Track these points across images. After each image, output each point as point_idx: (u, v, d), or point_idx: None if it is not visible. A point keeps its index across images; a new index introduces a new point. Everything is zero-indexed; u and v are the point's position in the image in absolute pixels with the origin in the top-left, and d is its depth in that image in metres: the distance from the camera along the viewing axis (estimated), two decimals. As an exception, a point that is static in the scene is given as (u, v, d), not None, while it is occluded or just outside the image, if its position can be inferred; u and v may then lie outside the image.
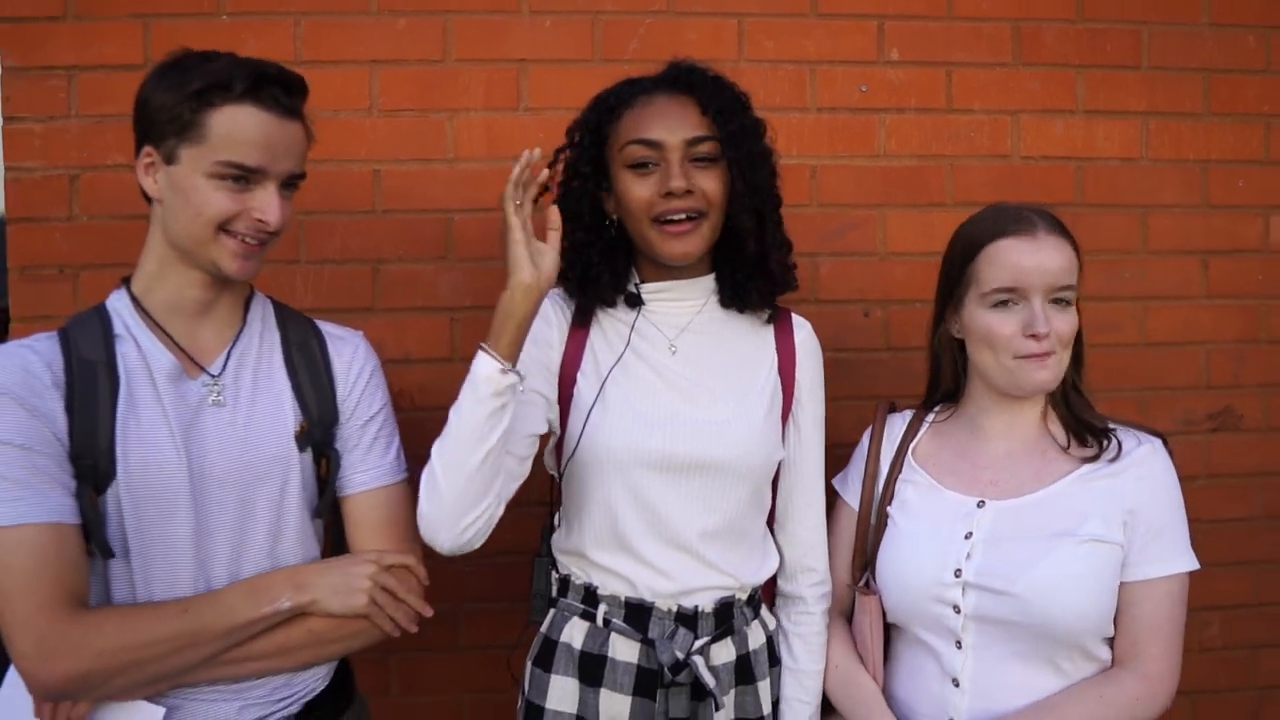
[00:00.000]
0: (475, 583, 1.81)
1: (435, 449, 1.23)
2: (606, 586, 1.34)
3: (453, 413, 1.23)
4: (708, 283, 1.40)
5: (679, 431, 1.32)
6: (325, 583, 1.22)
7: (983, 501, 1.33)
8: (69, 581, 1.13)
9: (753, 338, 1.42)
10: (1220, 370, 2.00)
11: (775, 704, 1.40)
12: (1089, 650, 1.28)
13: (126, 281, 1.27)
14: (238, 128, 1.16)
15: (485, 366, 1.20)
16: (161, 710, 1.19)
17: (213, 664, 1.18)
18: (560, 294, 1.41)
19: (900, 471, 1.42)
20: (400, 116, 1.82)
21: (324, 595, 1.21)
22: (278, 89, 1.19)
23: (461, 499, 1.21)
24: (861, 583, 1.40)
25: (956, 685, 1.30)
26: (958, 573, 1.28)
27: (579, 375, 1.36)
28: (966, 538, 1.30)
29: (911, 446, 1.44)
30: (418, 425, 1.82)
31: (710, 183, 1.30)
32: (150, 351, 1.22)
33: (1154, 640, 1.27)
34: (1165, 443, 1.36)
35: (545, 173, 1.25)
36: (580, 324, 1.39)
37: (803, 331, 1.46)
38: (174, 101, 1.15)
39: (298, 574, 1.23)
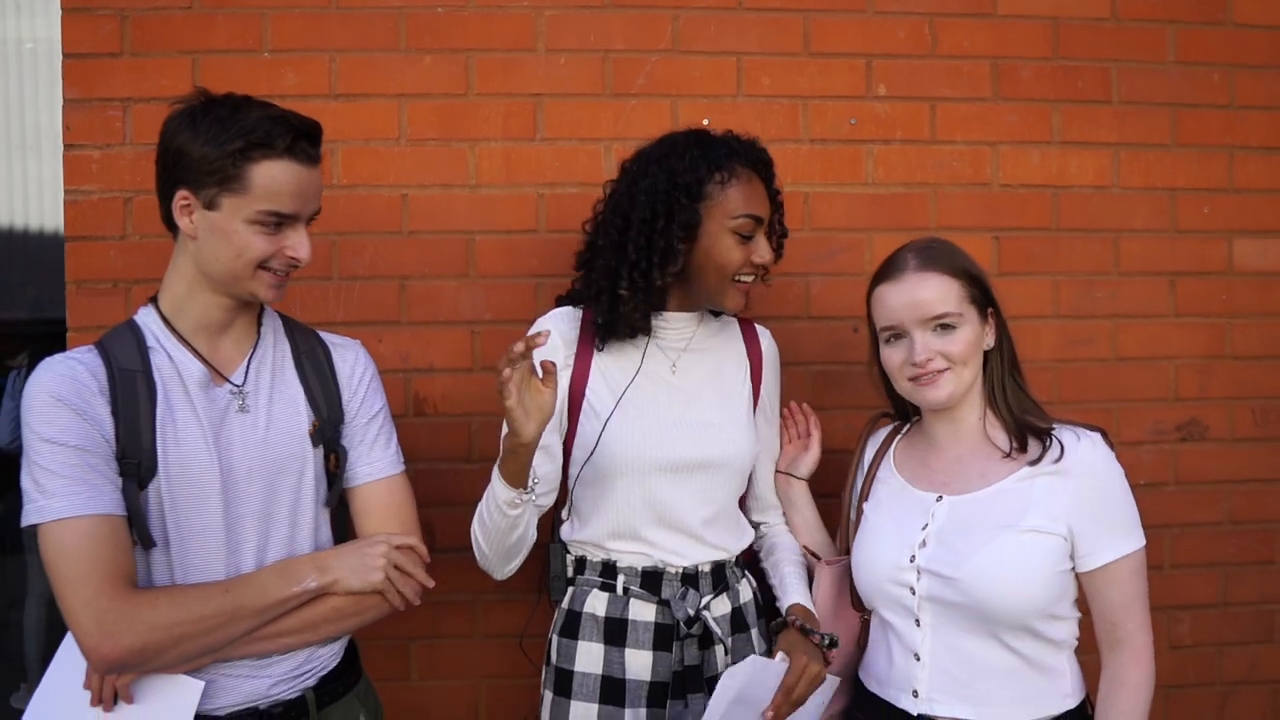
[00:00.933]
0: (487, 577, 1.93)
1: (477, 526, 1.49)
2: (624, 560, 1.54)
3: (485, 511, 1.46)
4: (696, 314, 1.62)
5: (684, 438, 1.53)
6: (344, 564, 1.35)
7: (940, 497, 1.46)
8: (123, 566, 1.24)
9: (731, 350, 1.64)
10: (1187, 384, 2.12)
11: (768, 649, 1.57)
12: (1035, 629, 1.37)
13: (154, 300, 1.38)
14: (276, 182, 1.28)
15: (504, 491, 1.40)
16: (201, 683, 1.30)
17: (250, 639, 1.30)
18: (566, 311, 1.59)
19: (877, 472, 1.58)
20: (426, 145, 1.95)
21: (344, 575, 1.34)
22: (306, 142, 1.32)
23: (505, 559, 1.50)
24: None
25: (918, 659, 1.42)
26: (912, 559, 1.42)
27: (588, 390, 1.54)
28: (923, 528, 1.44)
29: (890, 451, 1.59)
30: (441, 430, 1.97)
31: (773, 256, 1.57)
32: (182, 362, 1.34)
33: (1129, 616, 1.39)
34: (1105, 436, 1.45)
35: (535, 354, 1.39)
36: (586, 340, 1.56)
37: (765, 339, 1.70)
38: (216, 156, 1.26)
39: (320, 558, 1.36)
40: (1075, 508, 1.39)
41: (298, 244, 1.34)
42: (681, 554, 1.53)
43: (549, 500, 1.58)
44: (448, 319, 1.97)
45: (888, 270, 1.49)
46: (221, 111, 1.29)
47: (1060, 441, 1.42)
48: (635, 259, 1.50)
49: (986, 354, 1.49)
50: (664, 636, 1.52)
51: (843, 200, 2.04)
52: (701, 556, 1.55)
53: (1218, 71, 2.12)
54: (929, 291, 1.43)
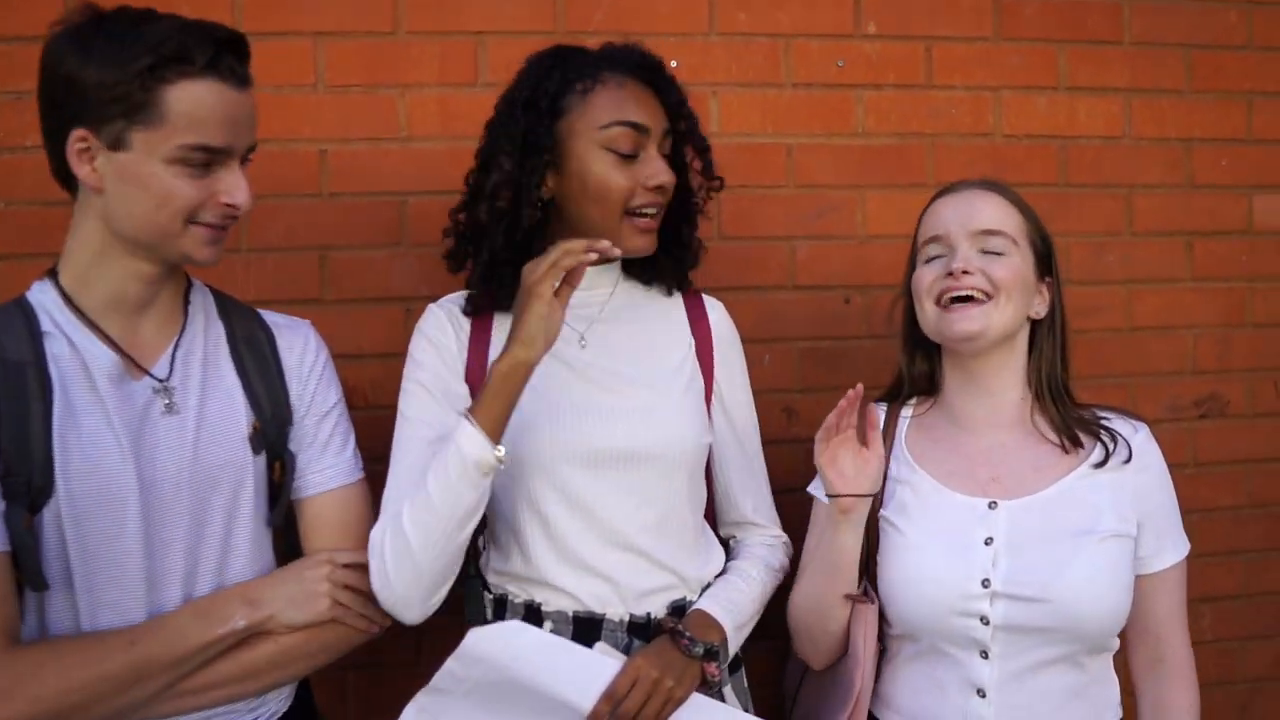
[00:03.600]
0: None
1: (410, 523, 1.14)
2: (551, 603, 1.25)
3: (436, 490, 1.14)
4: (616, 265, 1.35)
5: (599, 422, 1.26)
6: (280, 594, 1.13)
7: (994, 503, 1.26)
8: (1, 618, 1.01)
9: (664, 321, 1.37)
10: (1206, 355, 1.96)
11: (743, 709, 1.31)
12: (1108, 645, 1.28)
13: (51, 274, 1.13)
14: (201, 107, 1.04)
15: (477, 447, 1.12)
16: None
17: (172, 694, 1.08)
18: (458, 296, 1.35)
19: (889, 470, 1.33)
20: (348, 92, 1.70)
21: (281, 607, 1.13)
22: (233, 57, 1.08)
23: (441, 575, 1.17)
24: (860, 590, 1.30)
25: (982, 695, 1.22)
26: (985, 582, 1.21)
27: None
28: (987, 543, 1.23)
29: (900, 441, 1.36)
30: (372, 424, 1.70)
31: (673, 175, 1.27)
32: (87, 350, 1.09)
33: (1174, 630, 1.30)
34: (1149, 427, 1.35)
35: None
36: (481, 325, 1.32)
37: (716, 312, 1.41)
38: (117, 79, 1.01)
39: (249, 589, 1.14)
40: (1140, 505, 1.25)
41: (234, 186, 1.09)
42: (621, 581, 1.24)
43: None
44: (378, 295, 1.72)
45: (947, 188, 1.35)
46: (118, 26, 1.04)
47: (1121, 436, 1.28)
48: (496, 201, 1.24)
49: (1036, 326, 1.31)
50: (586, 629, 1.23)
51: (830, 153, 1.82)
52: (649, 584, 1.25)
53: (1235, 9, 1.94)
54: (989, 207, 1.29)
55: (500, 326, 1.30)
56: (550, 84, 1.24)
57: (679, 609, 1.27)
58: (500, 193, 1.25)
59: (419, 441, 1.24)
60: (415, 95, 1.71)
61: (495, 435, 1.13)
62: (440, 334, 1.31)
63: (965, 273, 1.24)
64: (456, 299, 1.36)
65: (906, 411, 1.39)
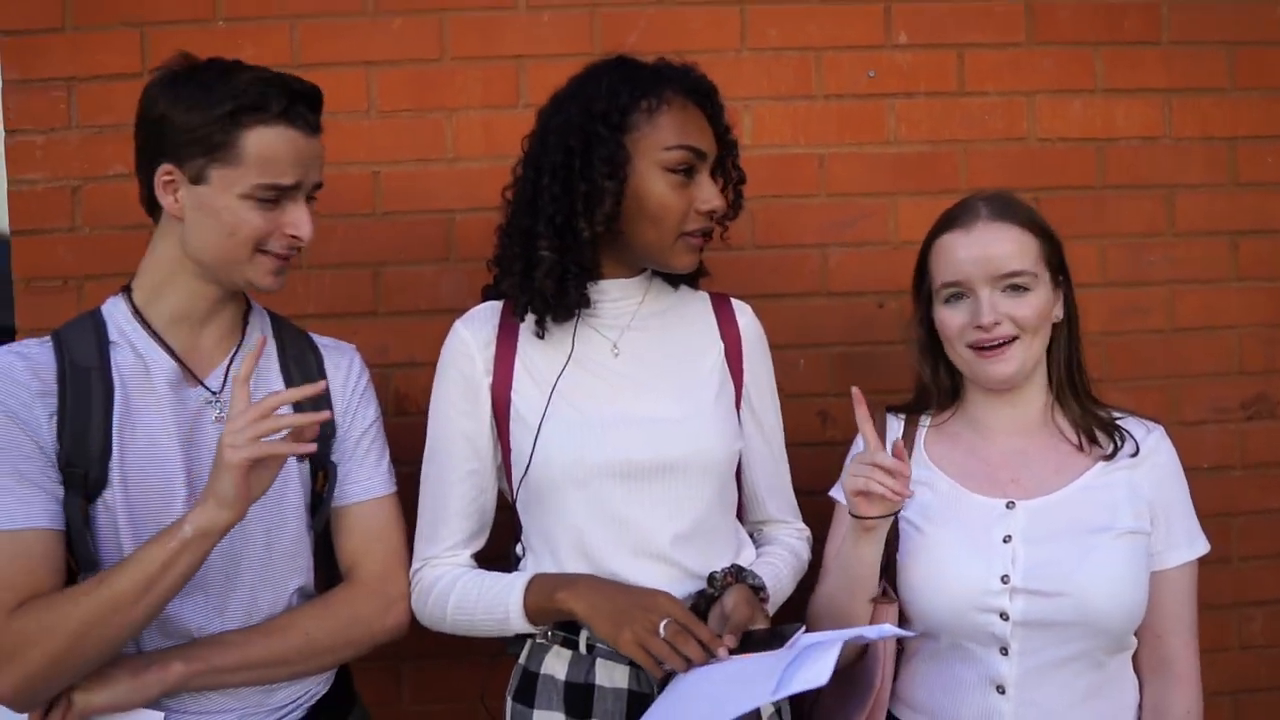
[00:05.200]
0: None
1: (453, 611, 1.30)
2: None
3: (480, 615, 1.29)
4: (648, 274, 1.38)
5: (634, 435, 1.27)
6: (209, 489, 1.10)
7: (1012, 503, 1.28)
8: (37, 588, 1.10)
9: (694, 326, 1.39)
10: (1253, 355, 1.92)
11: (776, 711, 1.33)
12: (1126, 642, 1.28)
13: (127, 290, 1.25)
14: (272, 150, 1.15)
15: (520, 626, 1.27)
16: (161, 714, 1.16)
17: (209, 671, 1.17)
18: (482, 309, 1.37)
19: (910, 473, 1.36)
20: (398, 117, 1.79)
21: (211, 494, 1.10)
22: (305, 106, 1.19)
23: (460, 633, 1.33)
24: (879, 592, 1.33)
25: (1002, 692, 1.25)
26: (1005, 578, 1.23)
27: (513, 394, 1.30)
28: (1005, 541, 1.25)
29: (919, 446, 1.39)
30: (424, 429, 1.80)
31: (724, 202, 1.32)
32: (150, 357, 1.21)
33: (1178, 630, 1.29)
34: (1166, 429, 1.36)
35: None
36: (506, 335, 1.33)
37: (745, 316, 1.42)
38: (202, 122, 1.13)
39: (192, 508, 1.14)
40: (1153, 501, 1.27)
41: (299, 220, 1.20)
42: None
43: (478, 544, 1.37)
44: (429, 307, 1.79)
45: (955, 218, 1.32)
46: (208, 75, 1.16)
47: (1131, 435, 1.29)
48: (552, 211, 1.24)
49: (1053, 329, 1.32)
50: (638, 706, 1.21)
51: (862, 161, 1.85)
52: (679, 591, 1.24)
53: (1279, 5, 1.90)
54: (1004, 245, 1.27)
55: (526, 331, 1.32)
56: (621, 98, 1.25)
57: (706, 603, 1.28)
58: (559, 204, 1.25)
59: (444, 484, 1.34)
60: (461, 118, 1.79)
61: (540, 621, 1.26)
62: (466, 363, 1.32)
63: (996, 324, 1.25)
64: (489, 310, 1.36)
65: (925, 420, 1.41)
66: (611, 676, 1.26)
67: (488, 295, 1.40)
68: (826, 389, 1.83)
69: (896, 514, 1.30)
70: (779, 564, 1.37)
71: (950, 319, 1.30)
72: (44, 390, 1.15)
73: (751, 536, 1.44)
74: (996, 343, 1.26)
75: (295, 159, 1.18)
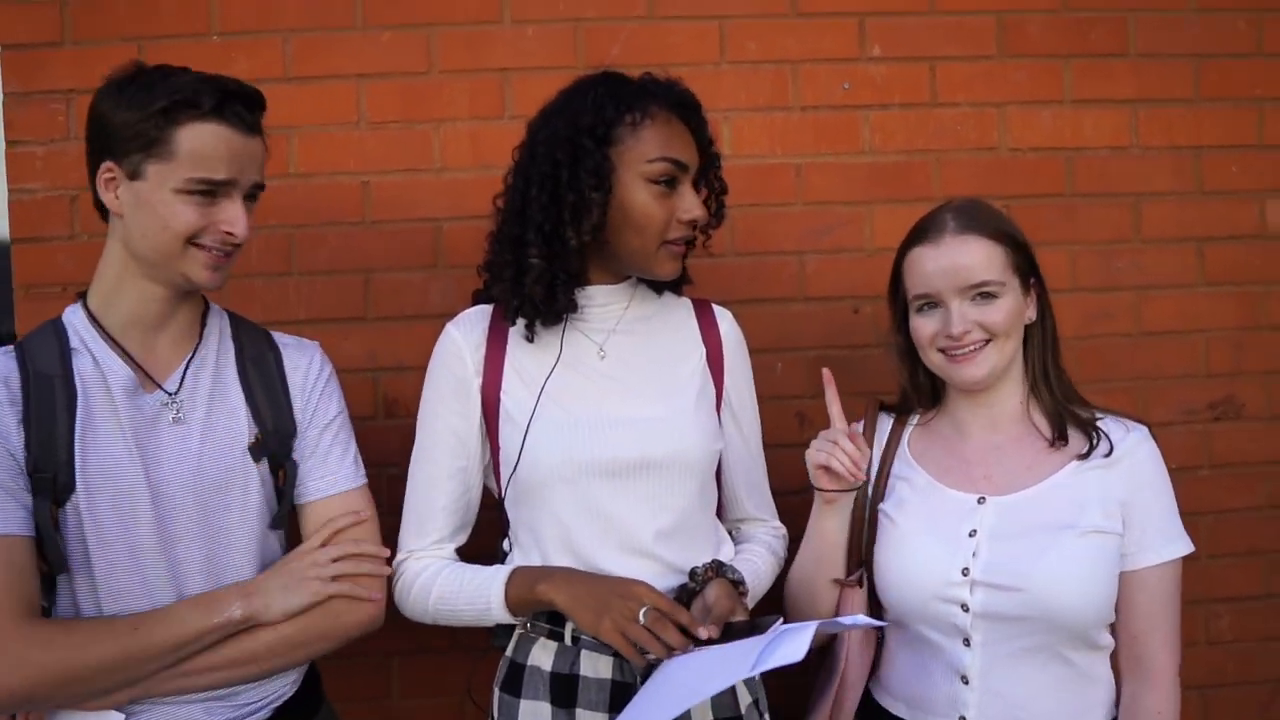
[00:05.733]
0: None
1: (435, 604, 1.35)
2: None
3: (463, 607, 1.33)
4: (632, 280, 1.42)
5: (619, 433, 1.32)
6: (273, 584, 1.24)
7: (983, 498, 1.32)
8: (20, 594, 1.12)
9: (678, 331, 1.44)
10: (1220, 358, 1.97)
11: (754, 702, 1.38)
12: (1093, 639, 1.29)
13: (82, 296, 1.28)
14: (205, 144, 1.18)
15: (501, 616, 1.32)
16: (121, 716, 1.18)
17: (176, 674, 1.19)
18: (473, 312, 1.42)
19: (891, 468, 1.41)
20: (387, 128, 1.84)
21: (274, 596, 1.23)
22: (240, 105, 1.21)
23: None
24: (848, 575, 1.39)
25: (966, 682, 1.29)
26: (965, 571, 1.28)
27: (503, 394, 1.35)
28: (971, 535, 1.29)
29: (904, 443, 1.44)
30: (413, 432, 1.83)
31: (705, 212, 1.36)
32: (107, 365, 1.22)
33: (1153, 630, 1.29)
34: (1150, 430, 1.36)
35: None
36: (496, 337, 1.38)
37: (725, 322, 1.47)
38: (139, 118, 1.16)
39: (247, 583, 1.25)
40: (1126, 502, 1.28)
41: (233, 218, 1.22)
42: None
43: (462, 538, 1.42)
44: (416, 313, 1.85)
45: (923, 231, 1.36)
46: (150, 78, 1.20)
47: (1107, 434, 1.31)
48: (541, 220, 1.29)
49: (1027, 329, 1.36)
50: (623, 696, 1.27)
51: (838, 171, 1.90)
52: (662, 585, 1.29)
53: (1244, 18, 1.96)
54: (970, 256, 1.30)
55: (516, 333, 1.36)
56: (606, 112, 1.29)
57: (688, 598, 1.30)
58: (548, 214, 1.29)
59: (432, 480, 1.39)
60: (448, 129, 1.84)
61: (521, 612, 1.31)
62: (457, 364, 1.37)
63: (965, 332, 1.30)
64: (479, 314, 1.41)
65: (914, 419, 1.46)
66: (596, 667, 1.30)
67: (478, 299, 1.45)
68: (803, 391, 1.88)
69: (880, 492, 1.38)
70: (758, 561, 1.42)
71: (923, 327, 1.35)
72: (11, 398, 1.18)
73: (730, 534, 1.48)
74: (968, 349, 1.31)
75: (229, 155, 1.20)
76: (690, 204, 1.32)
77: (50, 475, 1.17)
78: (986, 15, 1.91)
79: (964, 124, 1.91)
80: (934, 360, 1.35)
